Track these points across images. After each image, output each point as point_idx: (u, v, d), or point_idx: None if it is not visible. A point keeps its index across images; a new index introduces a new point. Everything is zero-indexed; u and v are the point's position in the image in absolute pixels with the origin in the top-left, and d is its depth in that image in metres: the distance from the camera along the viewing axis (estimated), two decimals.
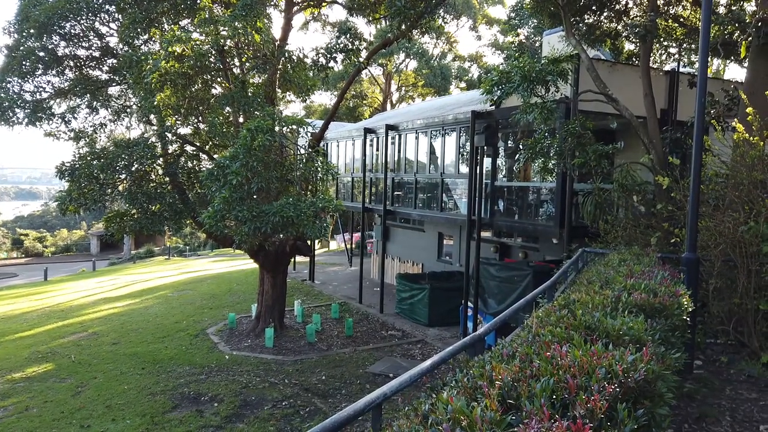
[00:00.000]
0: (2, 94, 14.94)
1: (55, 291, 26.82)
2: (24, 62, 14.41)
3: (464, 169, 14.49)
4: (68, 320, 18.04)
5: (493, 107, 12.72)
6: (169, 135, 14.85)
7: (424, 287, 15.23)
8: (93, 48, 15.72)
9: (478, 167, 13.17)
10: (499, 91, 9.64)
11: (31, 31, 14.22)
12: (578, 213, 11.36)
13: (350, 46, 14.61)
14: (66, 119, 15.64)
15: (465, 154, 14.77)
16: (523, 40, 30.14)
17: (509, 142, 14.71)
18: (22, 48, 14.31)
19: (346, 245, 29.75)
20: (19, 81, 15.18)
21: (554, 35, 13.15)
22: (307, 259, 22.09)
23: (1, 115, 15.03)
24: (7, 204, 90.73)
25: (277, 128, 11.88)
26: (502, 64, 23.46)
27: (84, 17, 14.48)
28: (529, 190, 13.22)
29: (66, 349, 14.03)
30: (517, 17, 29.28)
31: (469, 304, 13.20)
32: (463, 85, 41.65)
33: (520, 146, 13.51)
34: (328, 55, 14.54)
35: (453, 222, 15.76)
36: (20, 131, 17.47)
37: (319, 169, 12.69)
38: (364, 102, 44.18)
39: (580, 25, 12.23)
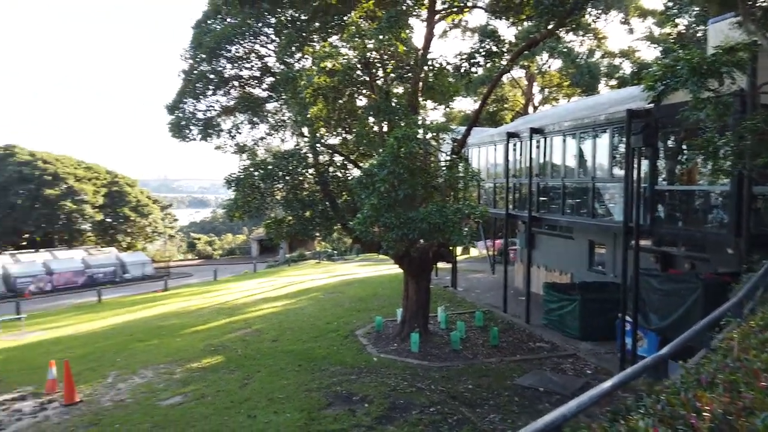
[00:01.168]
0: (180, 114, 16.93)
1: (223, 290, 29.69)
2: (197, 84, 16.18)
3: (618, 172, 13.51)
4: (234, 317, 19.83)
5: (652, 105, 11.70)
6: (320, 146, 15.71)
7: (575, 298, 14.43)
8: (254, 68, 17.17)
9: (634, 170, 12.20)
10: (662, 87, 8.82)
11: (203, 56, 15.94)
12: (759, 219, 10.02)
13: (493, 50, 14.39)
14: (232, 134, 17.32)
15: (618, 156, 13.78)
16: (682, 31, 27.56)
17: (669, 141, 13.43)
18: (195, 72, 16.09)
19: (488, 252, 29.27)
20: (194, 101, 17.06)
21: (723, 23, 11.77)
22: (449, 265, 22.07)
23: (179, 132, 17.02)
24: (182, 212, 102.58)
25: (421, 135, 12.04)
26: (661, 57, 21.57)
27: (246, 40, 15.90)
28: (696, 194, 11.94)
29: (233, 343, 15.43)
30: (676, 6, 26.84)
31: (627, 318, 12.23)
32: (613, 83, 39.02)
33: (683, 146, 12.28)
34: (471, 60, 14.44)
35: (606, 229, 14.76)
36: (194, 146, 19.48)
37: (461, 175, 12.64)
38: (505, 106, 43.25)
39: (754, 9, 10.83)
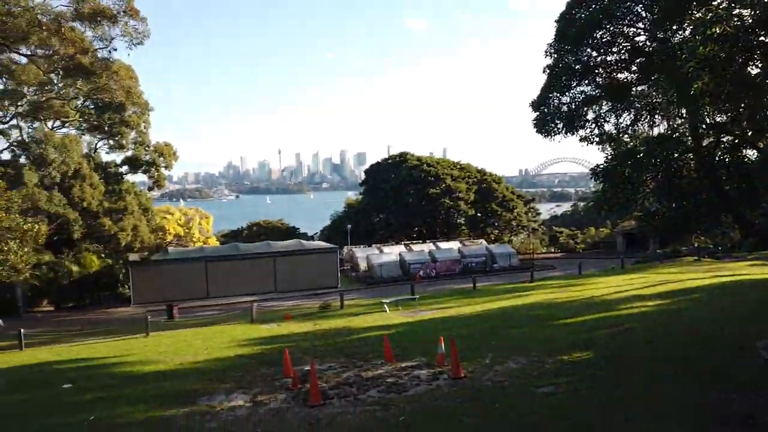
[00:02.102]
0: (545, 110, 17.22)
1: (588, 285, 29.06)
2: (562, 77, 16.18)
3: None
4: (602, 313, 19.16)
5: None
6: (703, 126, 13.76)
7: None
8: (621, 51, 16.20)
9: None
10: None
11: (567, 47, 15.83)
12: None
13: None
14: (598, 123, 16.74)
15: None
16: None
17: None
18: (560, 65, 16.12)
19: None
20: (558, 95, 17.12)
21: None
22: None
23: (544, 128, 17.31)
24: (542, 206, 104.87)
25: None
26: None
27: (614, 23, 15.10)
28: None
29: (602, 340, 14.90)
30: None
31: None
32: None
33: None
34: None
35: None
36: (560, 140, 19.62)
37: None
38: None
39: None
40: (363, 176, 74.82)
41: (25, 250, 24.80)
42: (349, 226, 61.40)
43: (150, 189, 50.01)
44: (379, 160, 72.36)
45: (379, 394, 11.23)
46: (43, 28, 13.94)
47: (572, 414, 9.52)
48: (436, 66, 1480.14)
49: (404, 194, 62.93)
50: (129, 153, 46.27)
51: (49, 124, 40.80)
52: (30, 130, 40.06)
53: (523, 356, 13.77)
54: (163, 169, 47.46)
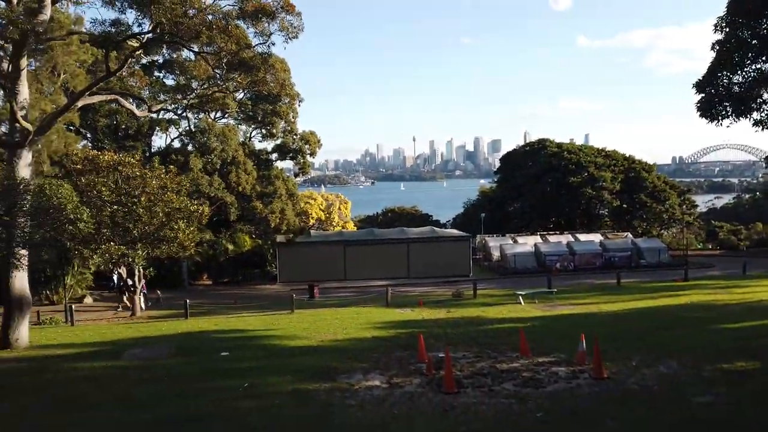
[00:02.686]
0: (711, 91, 15.48)
1: (754, 287, 25.91)
2: (734, 54, 14.41)
3: None
4: None
5: None
6: None
7: None
8: None
9: None
10: None
11: (742, 20, 14.05)
12: None
13: None
14: None
15: None
16: None
17: None
18: (732, 40, 14.36)
19: None
20: (728, 74, 15.30)
21: None
22: None
23: (709, 111, 15.59)
24: (699, 197, 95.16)
25: None
26: None
27: None
28: None
29: None
30: None
31: None
32: None
33: None
34: None
35: None
36: (707, 127, 17.49)
37: None
38: None
39: None
40: (497, 164, 73.39)
41: (191, 229, 27.81)
42: (483, 214, 60.56)
43: (296, 175, 53.34)
44: (516, 147, 70.35)
45: (515, 388, 10.98)
46: (213, 27, 15.44)
47: (734, 430, 8.58)
48: (581, 48, 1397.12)
49: (542, 183, 60.53)
50: (278, 141, 49.70)
51: (212, 115, 45.12)
52: (196, 121, 44.67)
53: (675, 360, 12.65)
54: (308, 156, 50.34)
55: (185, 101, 22.69)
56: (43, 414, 10.71)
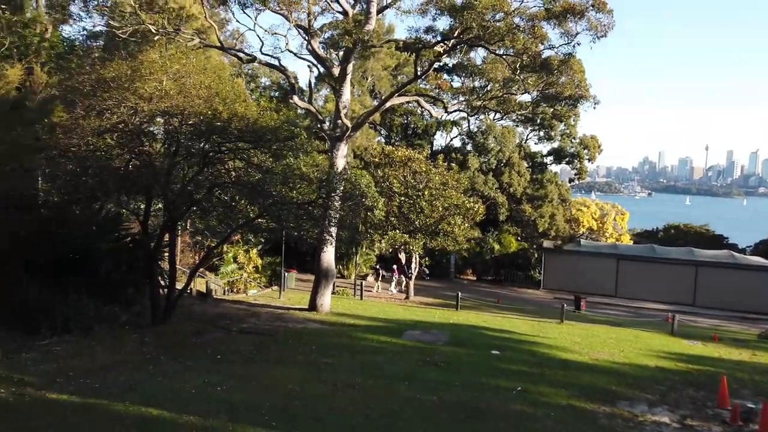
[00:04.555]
0: None
1: None
2: None
3: None
4: None
5: None
6: None
7: None
8: None
9: None
10: None
11: None
12: None
13: None
14: None
15: None
16: None
17: None
18: None
19: None
20: None
21: None
22: None
23: None
24: None
25: None
26: None
27: None
28: None
29: None
30: None
31: None
32: None
33: None
34: None
35: None
36: None
37: None
38: None
39: None
40: None
41: (466, 225, 28.96)
42: None
43: (570, 180, 51.29)
44: None
45: None
46: (519, 29, 15.66)
47: None
48: None
49: None
50: (555, 144, 48.36)
51: (490, 116, 46.23)
52: (477, 122, 46.31)
53: None
54: (585, 162, 47.93)
55: (479, 103, 23.56)
56: (345, 373, 12.33)
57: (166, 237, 16.95)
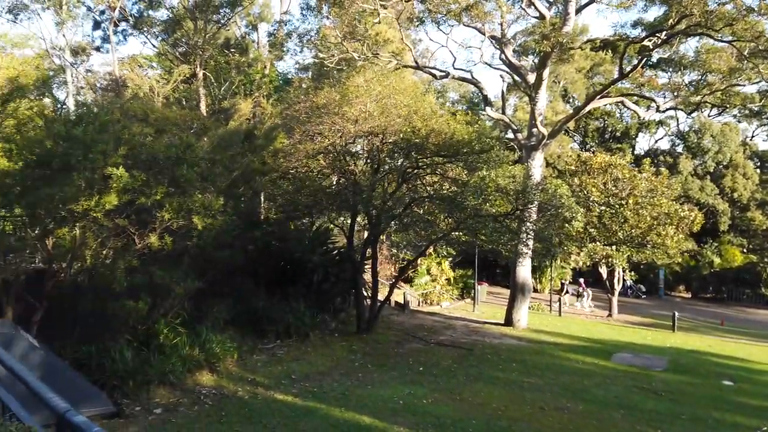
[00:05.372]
0: None
1: None
2: None
3: None
4: None
5: None
6: None
7: None
8: None
9: None
10: None
11: None
12: None
13: None
14: None
15: None
16: None
17: None
18: None
19: None
20: None
21: None
22: None
23: None
24: None
25: None
26: None
27: None
28: None
29: None
30: None
31: None
32: None
33: None
34: None
35: None
36: None
37: None
38: None
39: None
40: None
41: (680, 236, 25.83)
42: None
43: None
44: None
45: None
46: (749, 10, 13.51)
47: None
48: None
49: None
50: None
51: (705, 113, 40.78)
52: (689, 120, 41.21)
53: None
54: None
55: (698, 98, 20.85)
56: (550, 395, 11.66)
57: (369, 250, 17.87)
